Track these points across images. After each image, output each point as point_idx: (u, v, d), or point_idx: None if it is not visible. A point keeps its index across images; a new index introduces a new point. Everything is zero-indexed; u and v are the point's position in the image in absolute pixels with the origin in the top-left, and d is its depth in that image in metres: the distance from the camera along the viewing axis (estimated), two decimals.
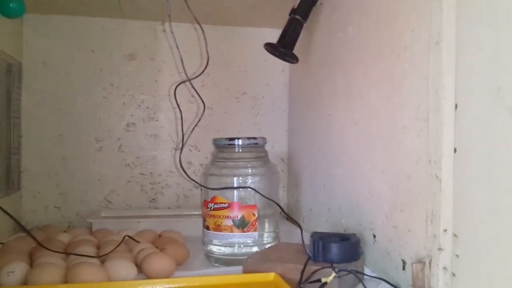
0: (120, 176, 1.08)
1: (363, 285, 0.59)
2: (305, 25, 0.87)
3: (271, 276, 0.62)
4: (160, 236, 0.86)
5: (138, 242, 0.79)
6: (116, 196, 1.08)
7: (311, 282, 0.59)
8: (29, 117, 1.03)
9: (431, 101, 0.54)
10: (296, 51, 0.90)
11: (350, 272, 0.60)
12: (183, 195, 1.11)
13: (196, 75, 0.70)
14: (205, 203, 0.80)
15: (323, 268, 0.60)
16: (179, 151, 1.11)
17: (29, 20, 1.02)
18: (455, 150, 0.50)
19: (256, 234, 0.77)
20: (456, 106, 0.50)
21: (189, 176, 0.79)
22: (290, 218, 0.79)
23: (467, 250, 0.49)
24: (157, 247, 0.76)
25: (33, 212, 1.04)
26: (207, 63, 0.76)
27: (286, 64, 1.15)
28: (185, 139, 0.89)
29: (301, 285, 0.58)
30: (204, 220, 0.80)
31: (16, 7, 0.71)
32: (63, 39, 1.05)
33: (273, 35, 1.06)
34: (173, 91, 0.81)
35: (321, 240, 0.64)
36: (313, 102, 0.99)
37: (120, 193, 1.08)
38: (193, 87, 0.68)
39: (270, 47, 0.83)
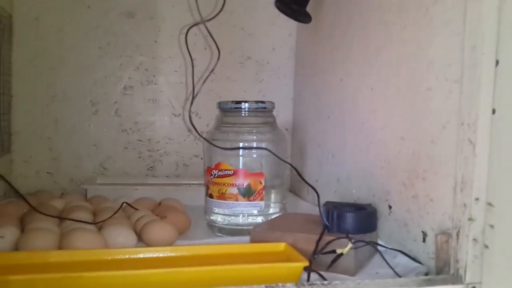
0: (117, 141, 1.03)
1: (382, 257, 0.55)
2: None
3: (281, 246, 0.58)
4: (159, 204, 0.82)
5: (137, 209, 0.74)
6: (112, 162, 1.03)
7: (325, 253, 0.55)
8: (20, 76, 0.96)
9: (466, 59, 0.49)
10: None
11: (367, 243, 0.56)
12: (182, 164, 1.07)
13: (210, 16, 0.62)
14: (208, 170, 0.75)
15: (338, 238, 0.55)
16: (179, 117, 1.06)
17: None
18: (493, 111, 0.46)
19: (262, 203, 0.73)
20: (497, 62, 0.45)
21: (198, 132, 0.72)
22: (306, 183, 0.72)
23: (503, 220, 0.45)
24: (157, 215, 0.72)
25: (24, 177, 0.98)
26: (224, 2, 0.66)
27: (294, 28, 1.09)
28: (196, 90, 0.80)
29: (315, 256, 0.54)
30: (207, 188, 0.76)
31: None
32: None
33: None
34: (184, 36, 0.71)
35: (336, 210, 0.59)
36: (323, 68, 0.93)
37: (116, 160, 1.03)
38: (207, 29, 0.61)
39: (282, 4, 0.77)
